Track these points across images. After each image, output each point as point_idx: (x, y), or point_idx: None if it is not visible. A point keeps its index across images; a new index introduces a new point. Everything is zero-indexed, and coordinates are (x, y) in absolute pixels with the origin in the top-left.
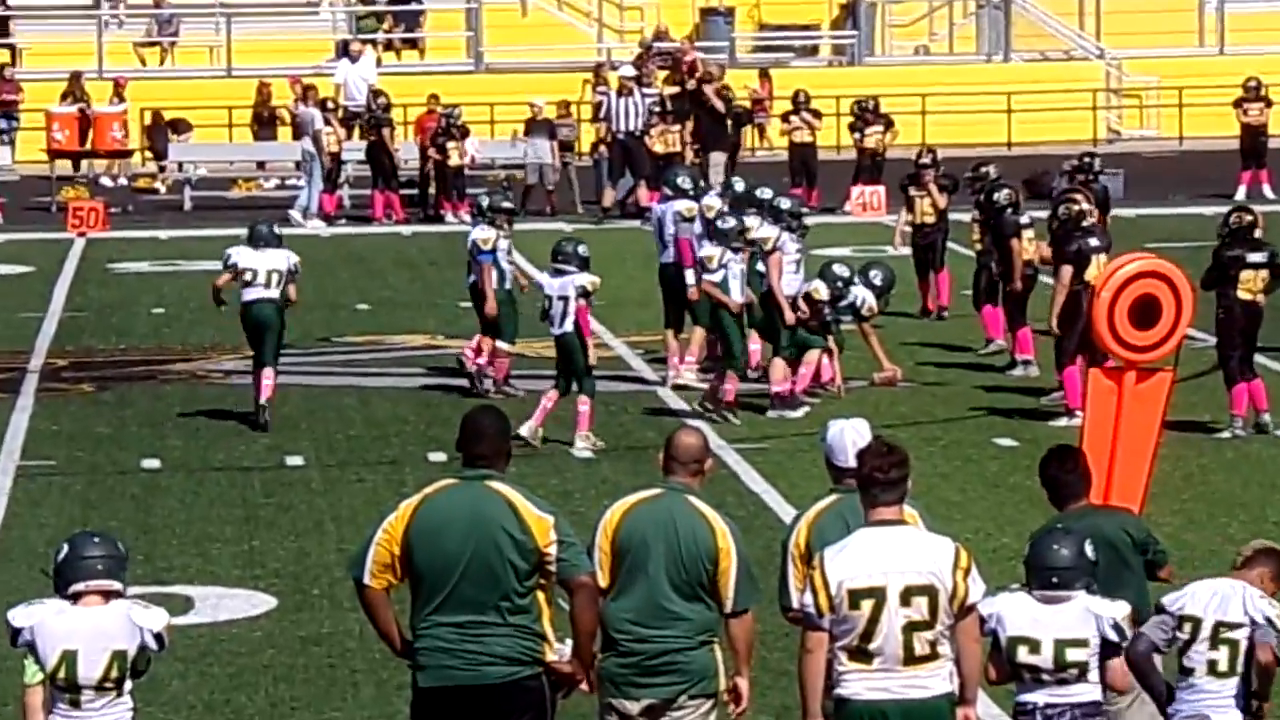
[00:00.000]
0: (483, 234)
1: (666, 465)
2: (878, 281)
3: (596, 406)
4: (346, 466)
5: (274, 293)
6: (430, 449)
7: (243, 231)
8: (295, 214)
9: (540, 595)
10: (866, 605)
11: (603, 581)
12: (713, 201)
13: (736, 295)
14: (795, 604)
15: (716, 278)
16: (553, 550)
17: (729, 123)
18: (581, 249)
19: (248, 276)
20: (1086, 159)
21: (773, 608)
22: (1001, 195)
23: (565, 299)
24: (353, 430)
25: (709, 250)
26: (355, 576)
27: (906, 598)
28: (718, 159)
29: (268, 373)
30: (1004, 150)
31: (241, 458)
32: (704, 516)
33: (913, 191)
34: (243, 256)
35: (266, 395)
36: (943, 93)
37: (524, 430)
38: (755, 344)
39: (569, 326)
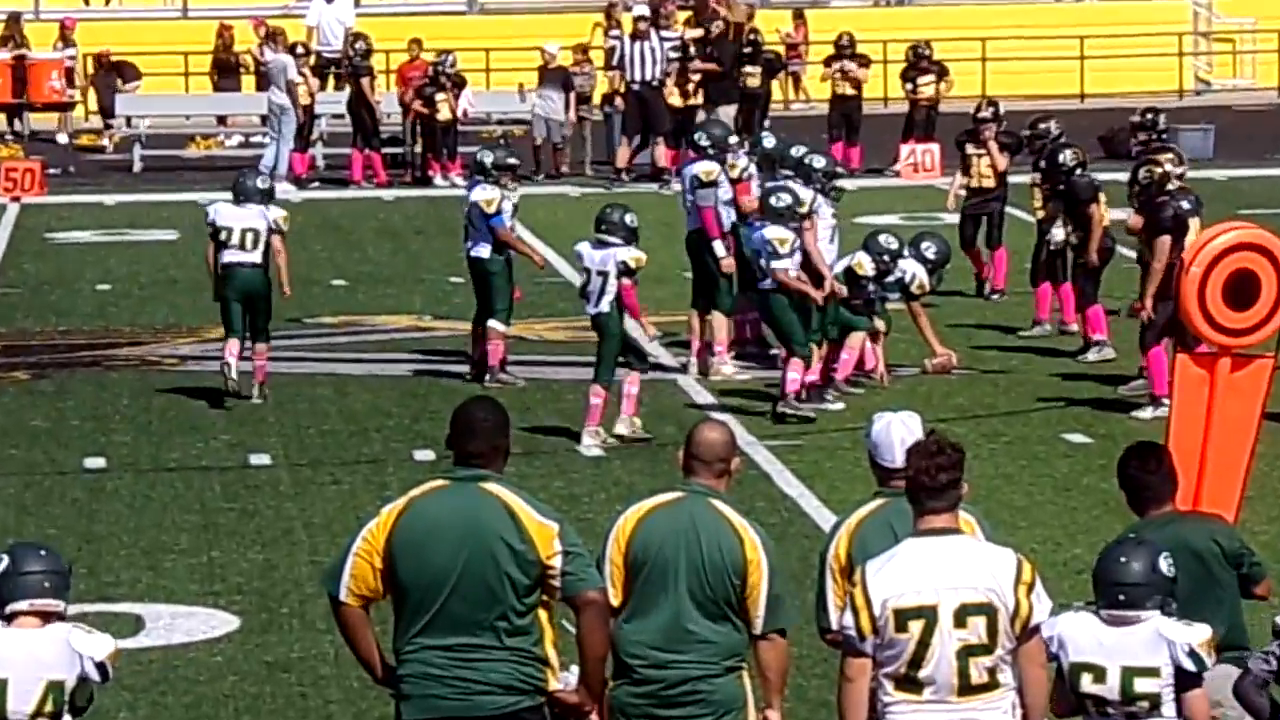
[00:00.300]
0: (485, 195)
1: (687, 465)
2: (930, 255)
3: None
4: (320, 466)
5: (255, 255)
6: (416, 446)
7: (200, 196)
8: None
9: (543, 614)
10: (915, 627)
11: (614, 599)
12: (739, 161)
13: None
14: (834, 625)
15: (790, 264)
16: (557, 562)
17: (740, 71)
18: (629, 218)
19: (223, 236)
20: (1149, 115)
21: (809, 629)
22: (1067, 155)
23: (604, 274)
24: (327, 425)
25: (779, 232)
26: (330, 592)
27: (961, 618)
28: (726, 113)
29: (260, 350)
30: (1075, 103)
31: (199, 456)
32: (731, 524)
33: (970, 150)
34: (221, 213)
35: (259, 378)
36: (1006, 36)
37: (621, 428)
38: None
39: (605, 305)
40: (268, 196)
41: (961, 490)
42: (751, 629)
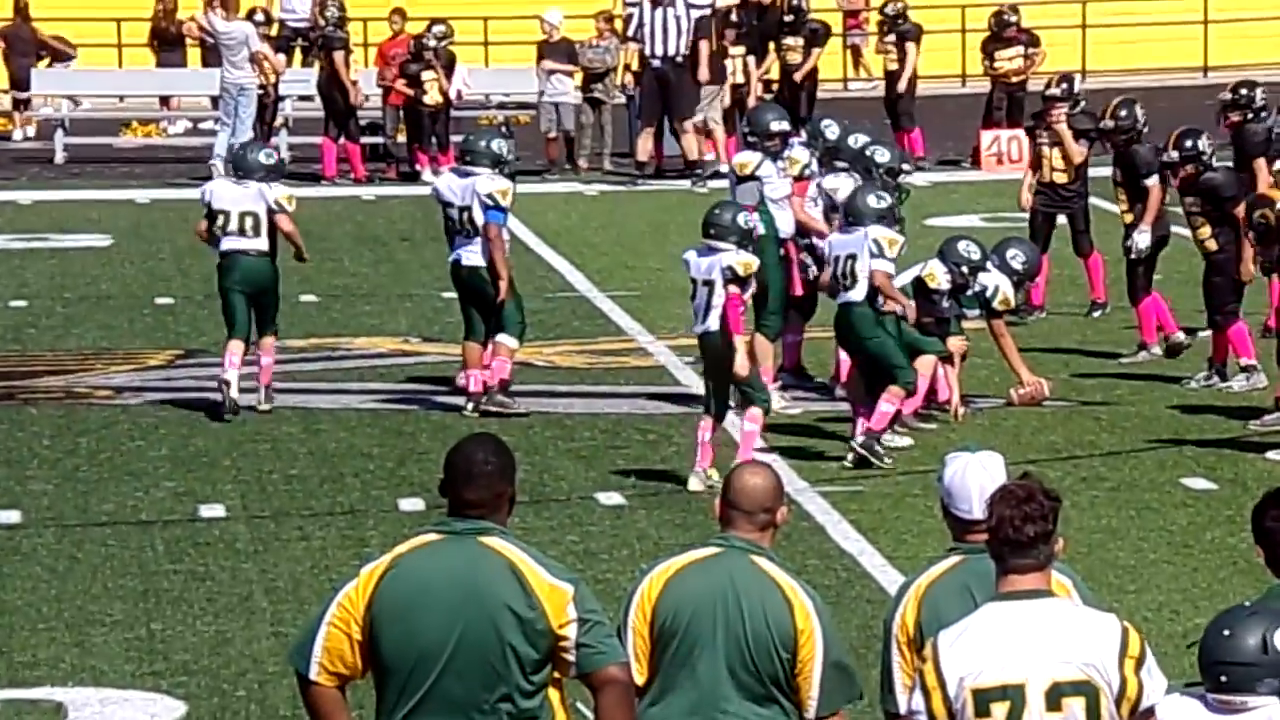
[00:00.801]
0: (498, 184)
1: (725, 515)
2: (1017, 265)
3: (629, 433)
4: (285, 518)
5: (258, 241)
6: (402, 493)
7: (138, 194)
8: (216, 166)
9: (554, 695)
10: (999, 710)
11: (638, 676)
12: (798, 154)
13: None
14: (902, 708)
15: (892, 268)
16: (571, 632)
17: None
18: (743, 219)
19: (220, 221)
20: (1244, 92)
21: (874, 713)
22: (1143, 151)
23: (711, 284)
24: (294, 469)
25: (887, 233)
26: (298, 670)
27: (1054, 699)
28: (708, 91)
29: (267, 345)
30: (1198, 76)
31: (137, 508)
32: (778, 585)
33: (1041, 137)
34: (216, 193)
35: (265, 380)
36: None
37: (693, 483)
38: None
39: (713, 322)
40: (272, 173)
41: (1055, 546)
42: (804, 712)
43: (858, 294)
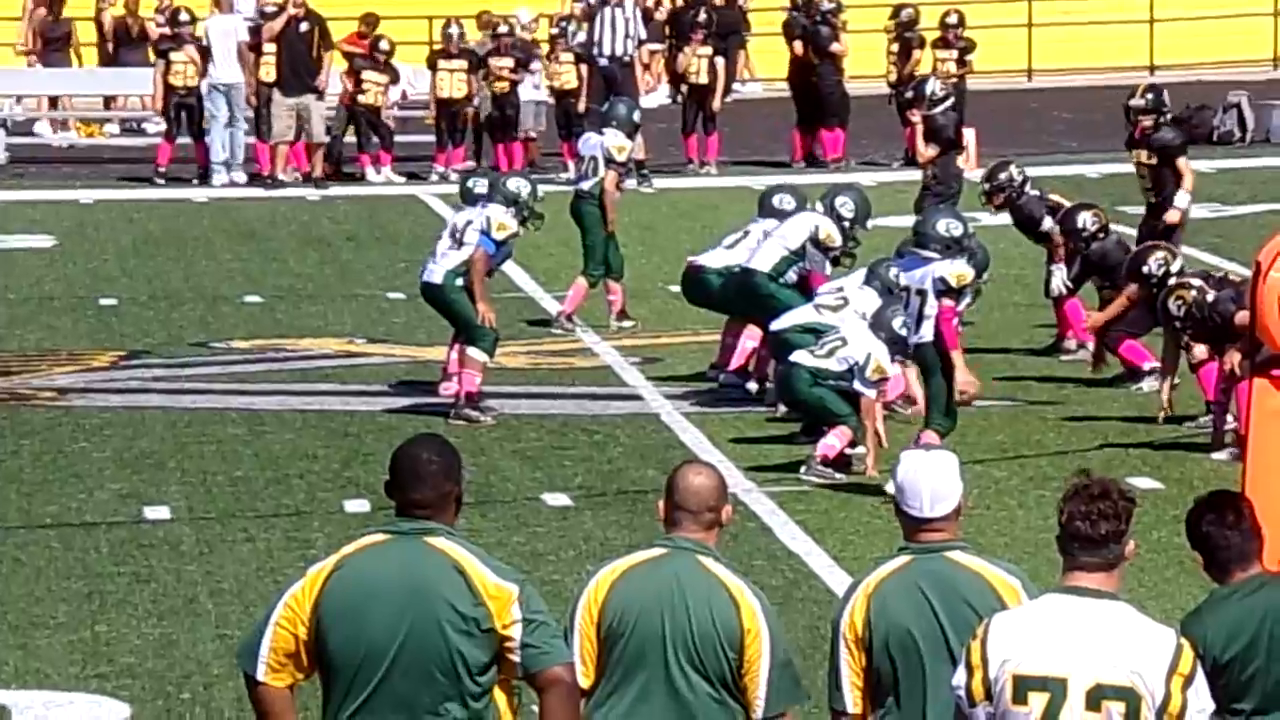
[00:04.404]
0: (505, 218)
1: (670, 515)
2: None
3: (575, 434)
4: (231, 520)
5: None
6: (348, 495)
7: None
8: (220, 173)
9: (500, 695)
10: (1037, 701)
11: (584, 677)
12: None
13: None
14: (850, 707)
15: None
16: (516, 632)
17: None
18: (950, 227)
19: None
20: (1151, 96)
21: (821, 713)
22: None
23: (923, 294)
24: (239, 470)
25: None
26: (245, 671)
27: (1096, 700)
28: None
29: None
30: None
31: (81, 510)
32: (724, 586)
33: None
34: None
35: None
36: None
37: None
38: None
39: (926, 333)
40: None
41: (1126, 548)
42: (751, 712)
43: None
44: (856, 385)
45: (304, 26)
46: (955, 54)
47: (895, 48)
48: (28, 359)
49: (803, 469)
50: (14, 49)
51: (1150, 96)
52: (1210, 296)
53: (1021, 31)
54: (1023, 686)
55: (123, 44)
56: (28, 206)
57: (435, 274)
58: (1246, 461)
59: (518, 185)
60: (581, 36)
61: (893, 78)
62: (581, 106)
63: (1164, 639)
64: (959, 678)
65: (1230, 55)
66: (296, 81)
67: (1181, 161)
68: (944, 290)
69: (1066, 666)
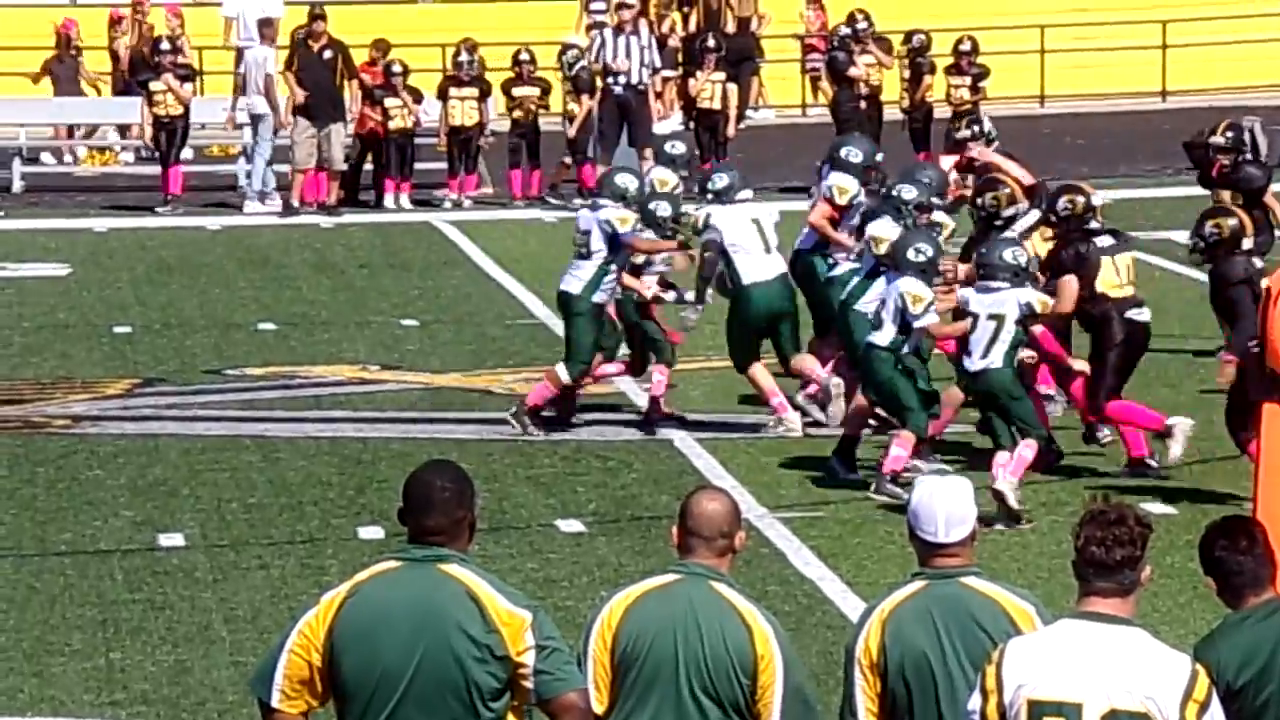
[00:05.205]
0: (620, 213)
1: (683, 541)
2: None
3: (589, 460)
4: (245, 547)
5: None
6: (362, 521)
7: (95, 222)
8: (251, 199)
9: None
10: None
11: (598, 703)
12: (848, 184)
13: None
14: None
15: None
16: (529, 659)
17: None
18: (1014, 255)
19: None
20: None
21: None
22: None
23: (999, 319)
24: (253, 497)
25: (915, 288)
26: (259, 698)
27: None
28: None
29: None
30: (1157, 101)
31: (96, 537)
32: (737, 612)
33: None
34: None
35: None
36: (1067, 25)
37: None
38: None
39: (996, 358)
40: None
41: (1141, 573)
42: None
43: (880, 338)
44: (915, 325)
45: (328, 54)
46: (969, 80)
47: (907, 74)
48: (42, 387)
49: (871, 487)
50: (31, 79)
51: (1230, 135)
52: (1096, 200)
53: (1034, 58)
54: (1037, 711)
55: (137, 72)
56: (42, 235)
57: (572, 284)
58: (1258, 486)
59: (624, 181)
60: (584, 61)
61: (905, 103)
62: (572, 132)
63: (1179, 665)
64: (974, 703)
65: (1242, 80)
66: (321, 110)
67: (1269, 197)
68: (1029, 314)
69: (1081, 692)
